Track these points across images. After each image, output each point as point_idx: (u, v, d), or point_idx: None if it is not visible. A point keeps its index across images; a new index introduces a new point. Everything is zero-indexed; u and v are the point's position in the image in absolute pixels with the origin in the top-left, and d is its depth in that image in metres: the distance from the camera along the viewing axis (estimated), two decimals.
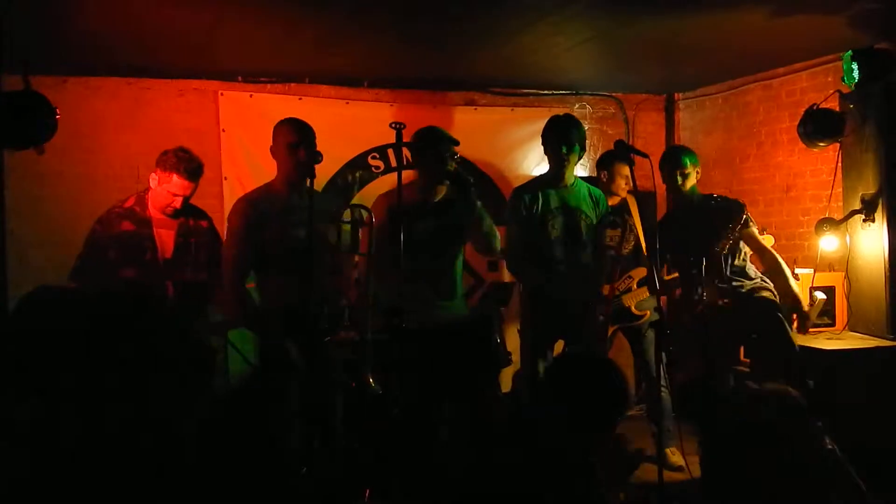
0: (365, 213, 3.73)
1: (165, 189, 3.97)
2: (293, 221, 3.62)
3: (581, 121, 4.35)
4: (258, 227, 3.70)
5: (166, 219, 4.05)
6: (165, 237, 4.05)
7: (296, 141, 3.64)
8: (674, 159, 4.48)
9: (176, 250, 4.04)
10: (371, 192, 5.63)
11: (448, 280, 4.01)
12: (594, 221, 4.25)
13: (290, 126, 3.75)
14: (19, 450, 1.18)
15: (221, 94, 5.50)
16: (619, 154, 4.42)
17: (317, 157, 3.55)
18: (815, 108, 4.70)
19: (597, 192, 4.38)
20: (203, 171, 4.11)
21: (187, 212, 4.12)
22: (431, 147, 3.95)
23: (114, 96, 5.29)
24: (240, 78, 5.54)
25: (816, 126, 4.71)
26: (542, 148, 4.36)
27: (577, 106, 6.26)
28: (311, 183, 3.55)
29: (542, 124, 4.37)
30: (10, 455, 1.17)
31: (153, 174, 4.01)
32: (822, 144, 4.79)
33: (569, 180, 4.26)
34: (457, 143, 3.99)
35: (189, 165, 3.98)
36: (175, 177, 3.96)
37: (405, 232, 3.53)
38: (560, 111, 5.28)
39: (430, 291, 3.92)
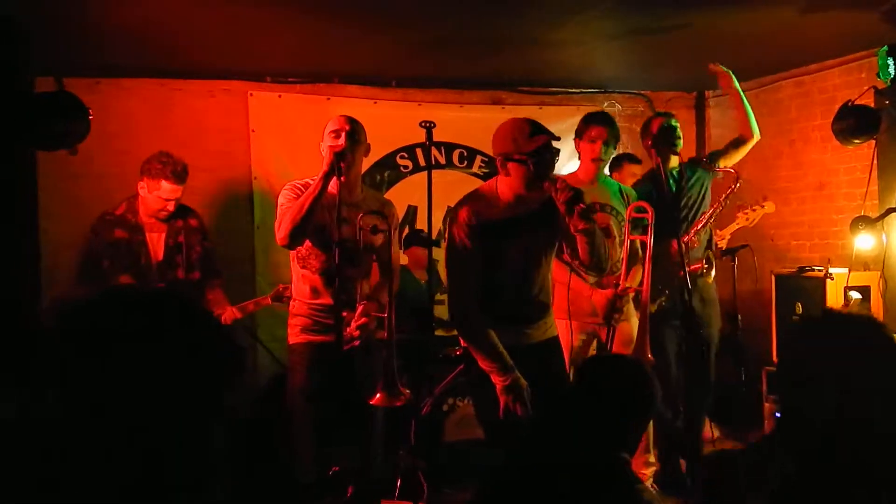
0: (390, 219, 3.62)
1: (156, 196, 4.05)
2: (329, 216, 3.49)
3: None
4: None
5: (156, 223, 4.12)
6: (157, 241, 4.13)
7: (337, 129, 3.61)
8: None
9: (166, 252, 4.11)
10: (398, 192, 5.65)
11: (535, 302, 3.43)
12: (625, 218, 4.21)
13: (337, 116, 3.71)
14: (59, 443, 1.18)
15: (251, 95, 5.54)
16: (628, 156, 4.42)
17: (357, 146, 3.55)
18: (849, 104, 4.62)
19: (627, 189, 4.34)
20: (188, 172, 4.13)
21: (177, 212, 4.17)
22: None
23: (145, 97, 5.35)
24: (269, 78, 5.57)
25: (851, 123, 4.63)
26: (571, 146, 4.33)
27: (605, 104, 6.22)
28: (347, 176, 3.49)
29: (570, 123, 4.35)
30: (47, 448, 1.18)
31: (141, 182, 4.07)
32: (856, 142, 4.71)
33: (599, 177, 4.23)
34: (557, 138, 3.31)
35: (175, 169, 4.05)
36: (164, 182, 4.03)
37: (494, 246, 3.19)
38: (589, 109, 5.25)
39: (516, 316, 3.37)
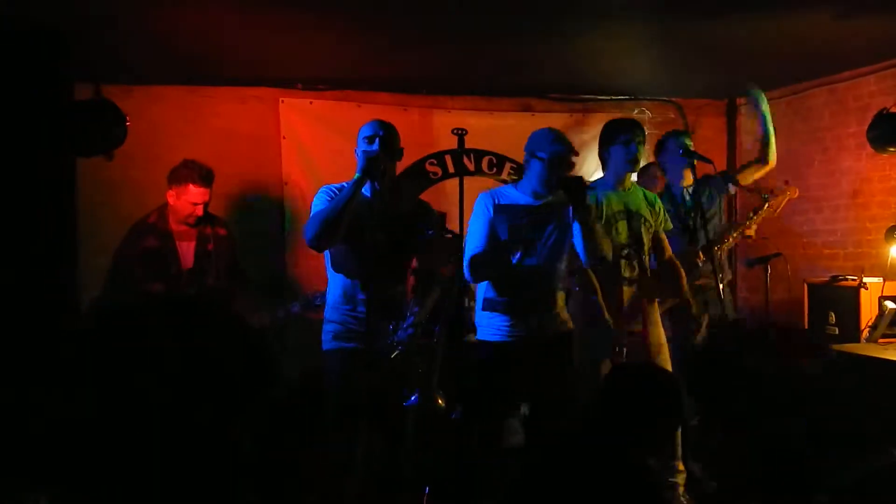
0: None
1: (185, 200, 4.13)
2: (362, 220, 3.43)
3: None
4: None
5: (186, 230, 4.20)
6: (186, 248, 4.20)
7: (371, 134, 3.61)
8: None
9: (196, 259, 4.18)
10: (427, 198, 5.62)
11: (544, 291, 3.75)
12: (653, 226, 4.19)
13: (370, 122, 3.69)
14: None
15: (282, 102, 5.58)
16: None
17: (390, 151, 3.55)
18: (884, 111, 4.57)
19: (652, 195, 4.31)
20: (214, 176, 4.22)
21: (206, 220, 4.25)
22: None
23: (177, 104, 5.41)
24: (299, 85, 5.61)
25: (886, 130, 4.58)
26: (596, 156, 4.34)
27: (636, 111, 6.19)
28: (382, 181, 3.49)
29: (600, 130, 4.31)
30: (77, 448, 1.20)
31: (170, 191, 4.17)
32: (891, 149, 4.66)
33: (628, 184, 4.19)
34: (577, 153, 3.81)
35: (201, 172, 4.14)
36: (191, 186, 4.11)
37: (507, 227, 3.53)
38: (619, 116, 5.24)
39: (527, 304, 3.70)
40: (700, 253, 4.45)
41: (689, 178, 4.54)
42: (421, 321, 3.51)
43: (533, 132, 3.78)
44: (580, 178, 3.67)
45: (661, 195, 4.47)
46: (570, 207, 3.62)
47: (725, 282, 4.57)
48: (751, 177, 4.75)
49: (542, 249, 3.71)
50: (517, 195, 3.74)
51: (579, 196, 3.58)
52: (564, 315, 3.81)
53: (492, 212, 3.67)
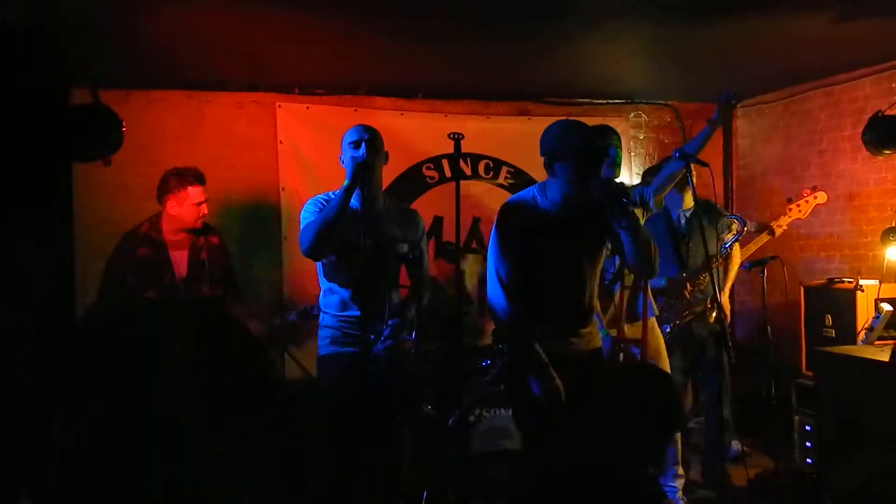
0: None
1: (188, 204, 4.11)
2: (352, 228, 3.41)
3: (637, 129, 4.31)
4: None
5: (179, 239, 4.17)
6: (179, 258, 4.17)
7: (356, 140, 3.60)
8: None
9: (190, 268, 4.16)
10: (424, 203, 5.66)
11: (579, 310, 3.33)
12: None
13: (354, 127, 3.66)
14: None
15: (279, 106, 5.58)
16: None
17: (377, 155, 3.54)
18: (880, 114, 4.58)
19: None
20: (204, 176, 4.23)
21: (199, 229, 4.23)
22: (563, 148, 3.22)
23: (175, 109, 5.41)
24: (297, 90, 5.61)
25: (882, 133, 4.58)
26: None
27: (632, 115, 6.21)
28: (370, 186, 3.50)
29: None
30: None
31: (168, 202, 4.13)
32: (887, 152, 4.66)
33: None
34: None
35: (194, 174, 4.15)
36: (190, 189, 4.11)
37: (536, 248, 3.16)
38: (615, 120, 5.26)
39: (560, 324, 3.29)
40: (688, 284, 4.46)
41: (689, 202, 4.53)
42: (397, 333, 3.49)
43: (546, 130, 3.29)
44: (621, 183, 3.44)
45: (658, 216, 4.43)
46: (615, 214, 3.14)
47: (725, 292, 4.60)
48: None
49: (575, 264, 3.28)
50: (545, 205, 3.26)
51: (626, 201, 3.12)
52: (596, 332, 3.42)
53: (519, 240, 3.21)
